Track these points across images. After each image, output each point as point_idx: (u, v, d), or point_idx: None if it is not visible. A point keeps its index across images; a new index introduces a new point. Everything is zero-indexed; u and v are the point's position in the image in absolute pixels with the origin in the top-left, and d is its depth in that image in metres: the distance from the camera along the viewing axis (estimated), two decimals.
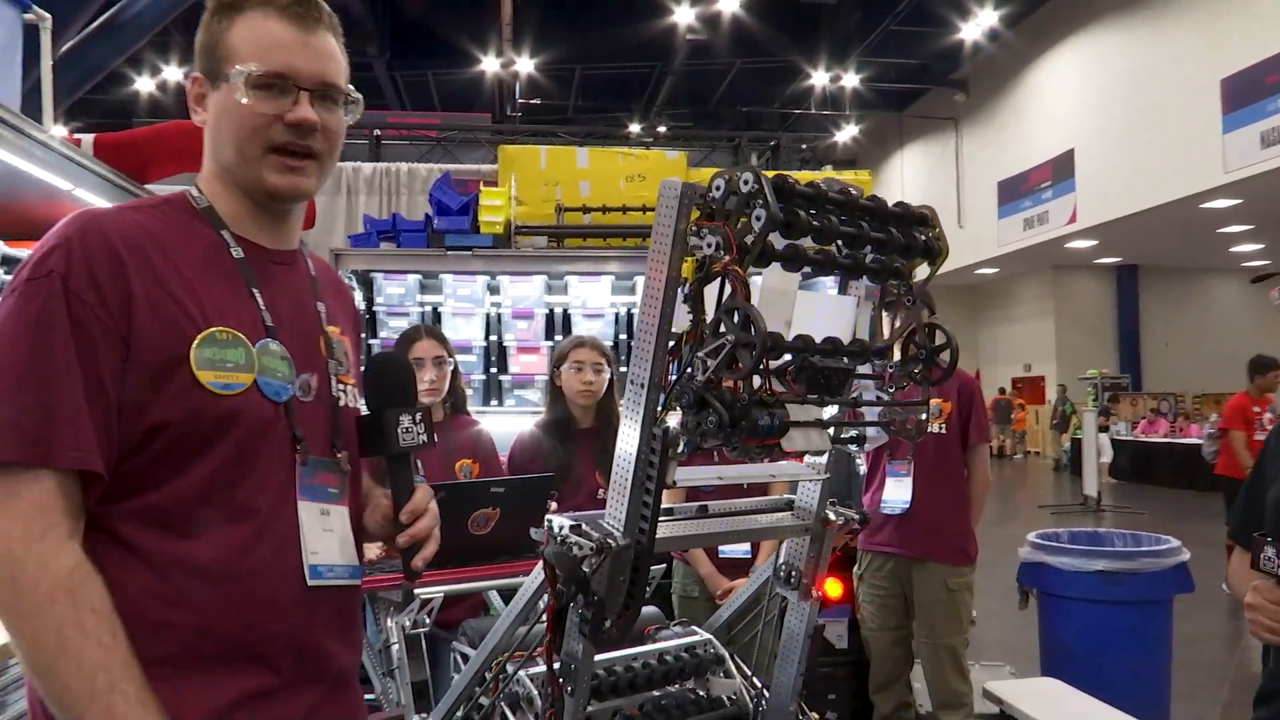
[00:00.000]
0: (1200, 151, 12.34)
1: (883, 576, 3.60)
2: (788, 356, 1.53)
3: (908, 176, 22.12)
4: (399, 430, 1.39)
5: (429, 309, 4.37)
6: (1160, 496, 14.51)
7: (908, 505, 3.50)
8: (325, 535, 1.32)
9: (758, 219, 1.37)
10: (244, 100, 1.25)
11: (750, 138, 6.05)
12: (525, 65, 15.99)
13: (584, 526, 1.51)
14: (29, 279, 1.15)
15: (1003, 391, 22.17)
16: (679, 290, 1.46)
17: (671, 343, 1.47)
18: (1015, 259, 18.77)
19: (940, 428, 3.53)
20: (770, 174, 1.44)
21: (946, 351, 1.62)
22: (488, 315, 4.37)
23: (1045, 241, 16.68)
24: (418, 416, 1.41)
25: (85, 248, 1.15)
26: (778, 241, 1.47)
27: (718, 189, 1.44)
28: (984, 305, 24.05)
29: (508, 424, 3.84)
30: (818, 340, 1.57)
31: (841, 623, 3.81)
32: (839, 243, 1.51)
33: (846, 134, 20.63)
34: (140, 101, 16.20)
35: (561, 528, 1.52)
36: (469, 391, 3.63)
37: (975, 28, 15.94)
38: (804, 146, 5.82)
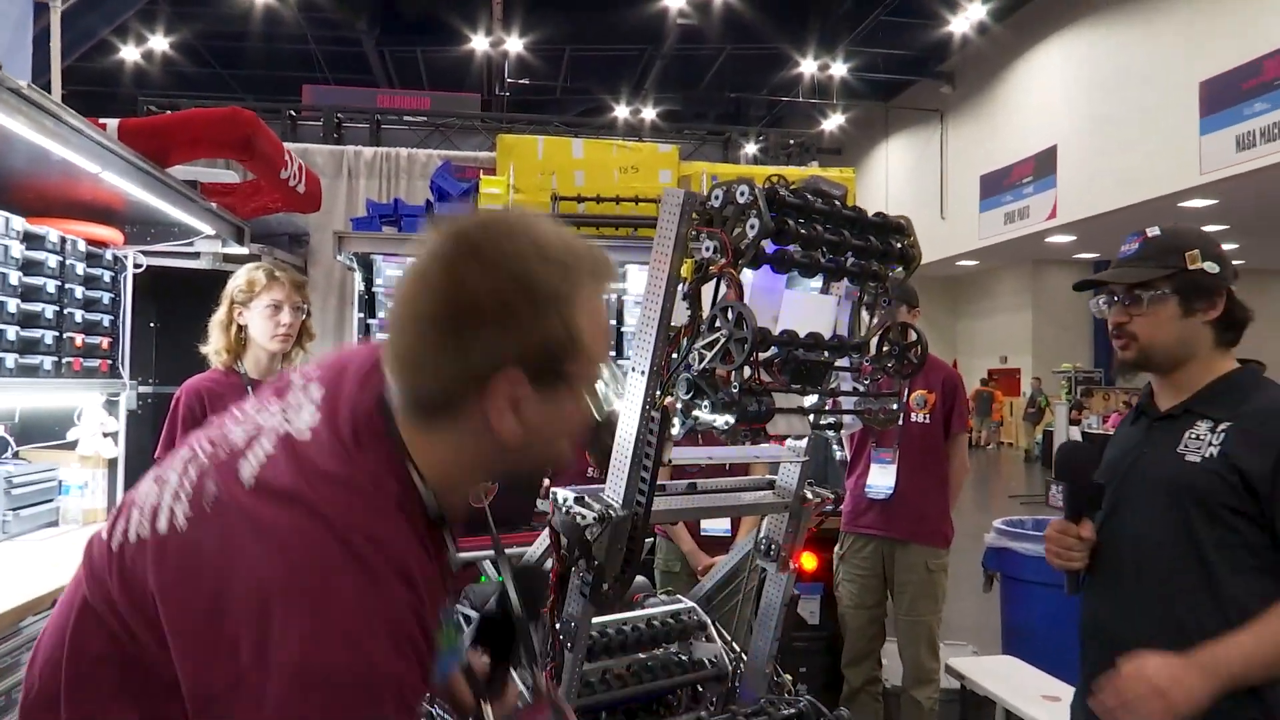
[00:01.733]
0: (1178, 152, 12.57)
1: (864, 557, 3.77)
2: (774, 349, 1.70)
3: (893, 167, 22.30)
4: (526, 646, 1.40)
5: None
6: None
7: (892, 490, 3.67)
8: None
9: (752, 227, 1.54)
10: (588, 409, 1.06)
11: (739, 131, 6.20)
12: (515, 45, 16.00)
13: (586, 499, 1.67)
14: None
15: (984, 383, 22.49)
16: (679, 288, 1.63)
17: (670, 336, 1.64)
18: (995, 252, 19.01)
19: (925, 417, 3.69)
20: (765, 171, 1.60)
21: (917, 348, 1.79)
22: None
23: (1025, 236, 16.90)
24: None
25: (391, 585, 0.92)
26: (768, 246, 1.64)
27: (716, 198, 1.61)
28: (964, 297, 24.33)
29: None
30: (802, 335, 1.74)
31: (815, 599, 3.99)
32: (823, 247, 1.67)
33: (833, 123, 20.78)
34: (126, 70, 16.09)
35: (566, 499, 1.69)
36: None
37: (964, 21, 16.08)
38: (790, 141, 5.97)
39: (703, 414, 1.57)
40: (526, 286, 0.96)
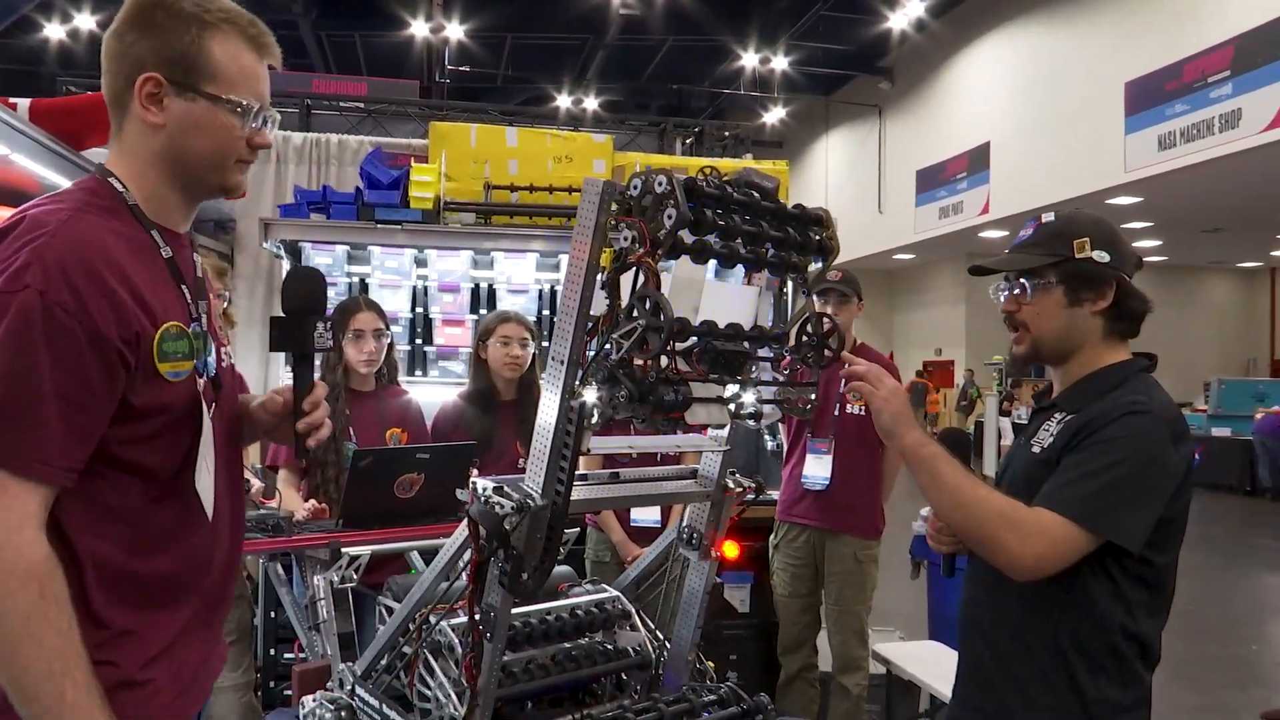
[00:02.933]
0: (1105, 151, 12.93)
1: (797, 547, 3.82)
2: (693, 339, 1.71)
3: (832, 161, 22.56)
4: (315, 335, 1.59)
5: (356, 280, 4.43)
6: None
7: (828, 481, 3.71)
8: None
9: (669, 217, 1.54)
10: (230, 123, 1.41)
11: (675, 123, 6.21)
12: (455, 31, 15.80)
13: (506, 488, 1.66)
14: (4, 291, 1.22)
15: (919, 375, 22.87)
16: (598, 277, 1.62)
17: (590, 324, 1.64)
18: (931, 246, 19.36)
19: (861, 409, 3.70)
20: (700, 162, 1.61)
21: (835, 339, 1.81)
22: (414, 288, 4.46)
23: (959, 230, 17.24)
24: (329, 324, 1.63)
25: (60, 261, 1.24)
26: (687, 236, 1.65)
27: (635, 188, 1.61)
28: (900, 290, 24.73)
29: (432, 394, 3.95)
30: (722, 326, 1.75)
31: (745, 588, 4.04)
32: (742, 238, 1.68)
33: (774, 116, 20.93)
34: (50, 49, 15.53)
35: (485, 489, 1.68)
36: None
37: (903, 17, 16.31)
38: (726, 134, 6.00)
39: (620, 403, 1.57)
40: (172, 6, 1.37)
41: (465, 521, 1.74)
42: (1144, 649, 1.73)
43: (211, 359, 1.46)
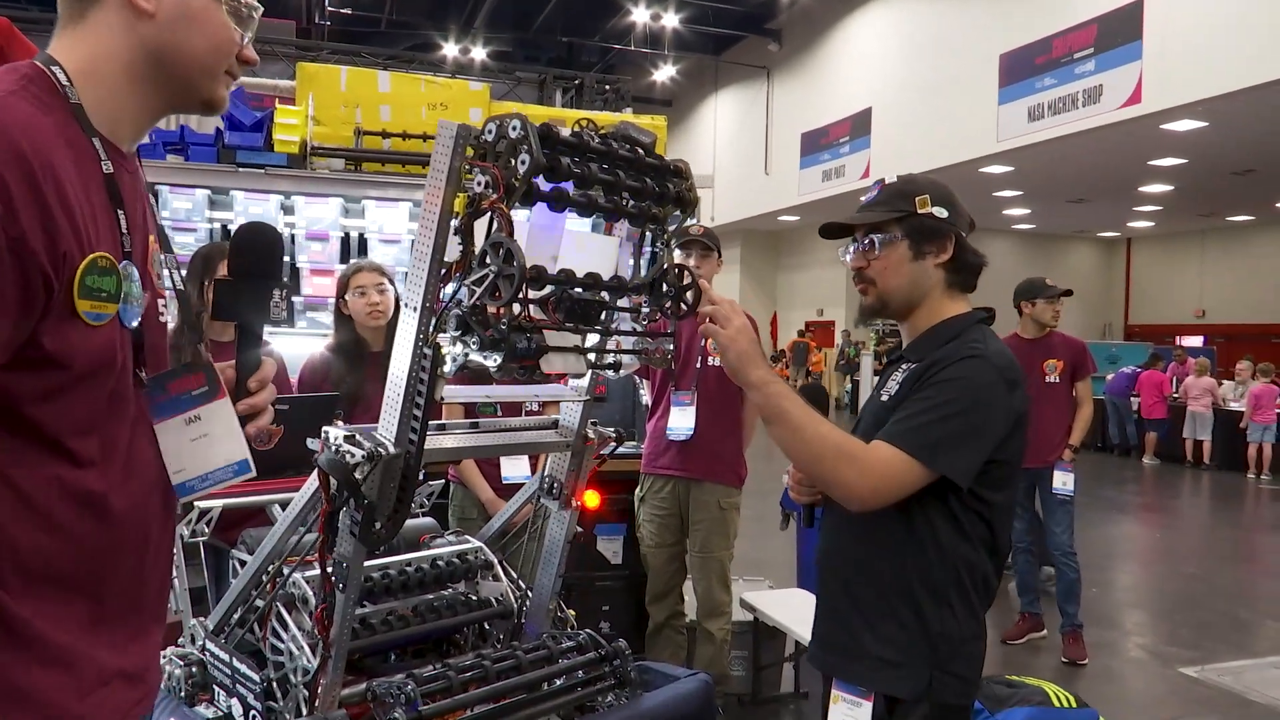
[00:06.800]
0: (979, 120, 13.39)
1: (662, 498, 3.89)
2: (550, 288, 1.70)
3: (721, 121, 22.69)
4: (271, 304, 1.41)
5: (218, 225, 4.24)
6: None
7: (692, 431, 3.79)
8: (194, 445, 1.30)
9: (522, 163, 1.53)
10: (228, 24, 1.24)
11: (555, 74, 6.12)
12: None
13: (358, 437, 1.64)
14: None
15: (801, 334, 23.41)
16: (451, 223, 1.60)
17: (444, 271, 1.62)
18: (814, 208, 19.71)
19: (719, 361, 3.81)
20: (577, 114, 1.59)
21: (690, 291, 1.84)
22: (281, 235, 4.29)
23: (841, 194, 17.63)
24: (284, 292, 1.45)
25: None
26: (544, 184, 1.63)
27: (489, 132, 1.58)
28: (785, 251, 25.20)
29: (299, 346, 3.83)
30: (580, 275, 1.75)
31: (618, 540, 4.10)
32: (598, 186, 1.68)
33: (664, 74, 20.87)
34: None
35: (336, 438, 1.65)
36: None
37: None
38: (607, 88, 5.95)
39: (471, 351, 1.56)
40: None
41: (316, 471, 1.71)
42: (986, 583, 1.84)
43: (137, 308, 1.19)
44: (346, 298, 3.30)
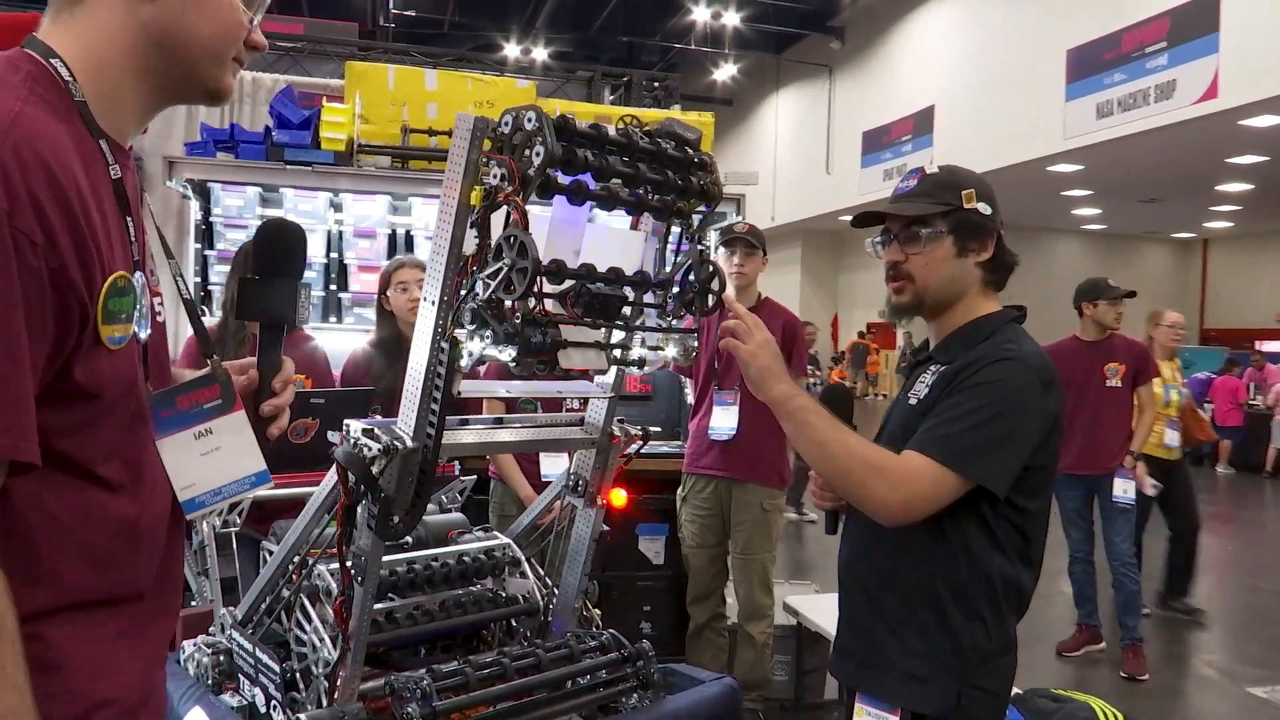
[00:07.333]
0: (1046, 117, 13.04)
1: (704, 498, 3.85)
2: (570, 282, 1.68)
3: (782, 120, 22.49)
4: (298, 303, 1.37)
5: None
6: None
7: (735, 431, 3.74)
8: (205, 459, 1.24)
9: (537, 155, 1.51)
10: (237, 6, 1.15)
11: (603, 72, 6.10)
12: None
13: (376, 430, 1.63)
14: None
15: (861, 335, 23.10)
16: (469, 216, 1.59)
17: (461, 265, 1.60)
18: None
19: None
20: (615, 112, 1.56)
21: (715, 283, 1.80)
22: (329, 232, 4.36)
23: None
24: (310, 290, 1.43)
25: (24, 169, 0.93)
26: (562, 177, 1.61)
27: (506, 125, 1.57)
28: (846, 251, 24.87)
29: (347, 341, 3.88)
30: (604, 270, 1.72)
31: (660, 540, 4.06)
32: (618, 179, 1.65)
33: (725, 73, 20.75)
34: None
35: (354, 431, 1.65)
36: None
37: None
38: (656, 85, 5.91)
39: (487, 345, 1.54)
40: None
41: (335, 465, 1.71)
42: (1019, 595, 1.76)
43: (147, 318, 1.12)
44: (388, 293, 3.33)
